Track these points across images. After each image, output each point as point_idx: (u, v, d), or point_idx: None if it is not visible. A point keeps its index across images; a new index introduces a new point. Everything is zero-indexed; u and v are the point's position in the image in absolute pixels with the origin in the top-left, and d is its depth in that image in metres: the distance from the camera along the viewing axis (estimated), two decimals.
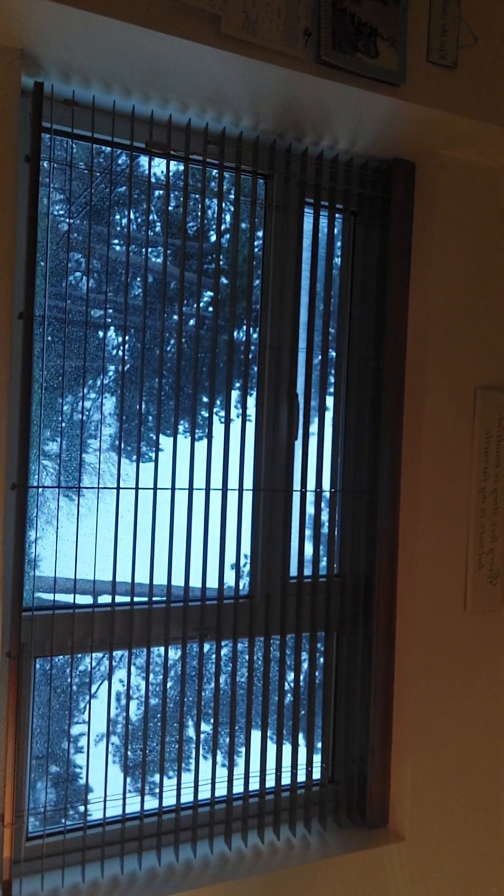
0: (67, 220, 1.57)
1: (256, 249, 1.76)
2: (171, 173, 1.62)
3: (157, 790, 1.66)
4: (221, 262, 1.68)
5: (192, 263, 1.66)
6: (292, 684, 1.83)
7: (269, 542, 1.76)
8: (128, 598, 1.59)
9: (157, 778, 1.67)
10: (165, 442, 1.61)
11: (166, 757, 1.63)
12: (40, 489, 1.50)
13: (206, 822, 1.70)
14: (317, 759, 1.86)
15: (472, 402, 1.83)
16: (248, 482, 1.73)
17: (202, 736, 1.67)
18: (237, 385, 1.71)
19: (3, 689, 1.48)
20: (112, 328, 1.60)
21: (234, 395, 1.71)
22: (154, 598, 1.61)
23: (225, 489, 1.65)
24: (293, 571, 1.77)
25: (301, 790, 1.80)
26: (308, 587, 1.78)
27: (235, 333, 1.67)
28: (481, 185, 1.82)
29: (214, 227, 1.70)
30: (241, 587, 1.73)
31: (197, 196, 1.64)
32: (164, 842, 1.66)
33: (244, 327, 1.68)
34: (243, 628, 1.72)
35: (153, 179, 1.63)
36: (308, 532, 1.76)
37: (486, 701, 1.88)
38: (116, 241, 1.62)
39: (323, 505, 1.81)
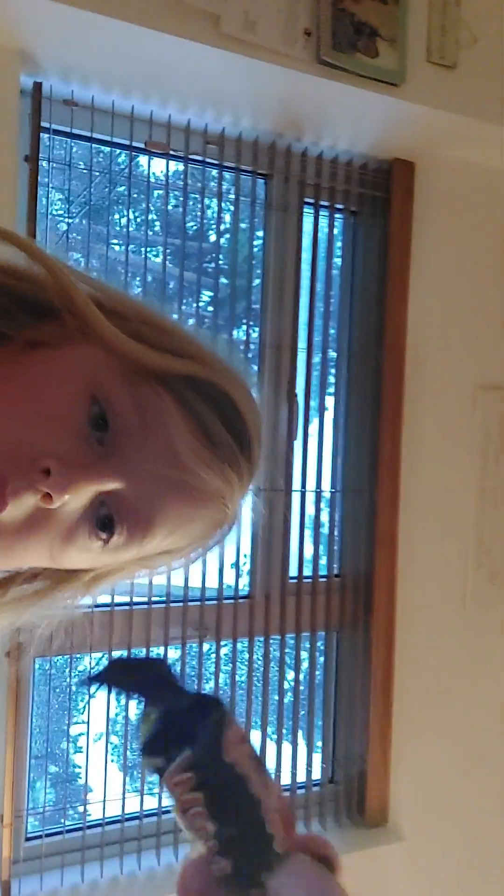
0: (67, 220, 1.57)
1: (256, 249, 1.76)
2: (170, 173, 1.61)
3: (157, 790, 1.66)
4: (221, 262, 1.68)
5: (191, 263, 1.66)
6: (292, 684, 1.83)
7: (269, 542, 1.75)
8: (127, 598, 1.59)
9: (156, 777, 1.66)
10: None
11: None
12: None
13: None
14: (316, 758, 1.85)
15: (472, 402, 1.83)
16: None
17: None
18: None
19: (2, 689, 1.48)
20: None
21: None
22: (153, 598, 1.61)
23: None
24: (293, 571, 1.77)
25: (301, 790, 1.80)
26: (308, 587, 1.77)
27: (235, 333, 1.67)
28: (481, 185, 1.82)
29: (214, 226, 1.70)
30: (240, 587, 1.73)
31: (196, 196, 1.63)
32: (164, 842, 1.66)
33: (244, 327, 1.68)
34: (243, 628, 1.72)
35: (153, 179, 1.63)
36: (308, 532, 1.76)
37: (485, 700, 1.88)
38: (116, 241, 1.62)
39: (323, 505, 1.81)
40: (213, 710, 0.23)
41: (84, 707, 1.62)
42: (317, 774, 1.86)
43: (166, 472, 0.49)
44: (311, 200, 1.74)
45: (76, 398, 0.47)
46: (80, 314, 0.50)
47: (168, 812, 1.67)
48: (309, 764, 1.81)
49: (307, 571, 1.76)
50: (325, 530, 1.84)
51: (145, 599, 1.60)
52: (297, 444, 1.75)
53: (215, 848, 0.22)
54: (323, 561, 1.83)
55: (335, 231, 1.86)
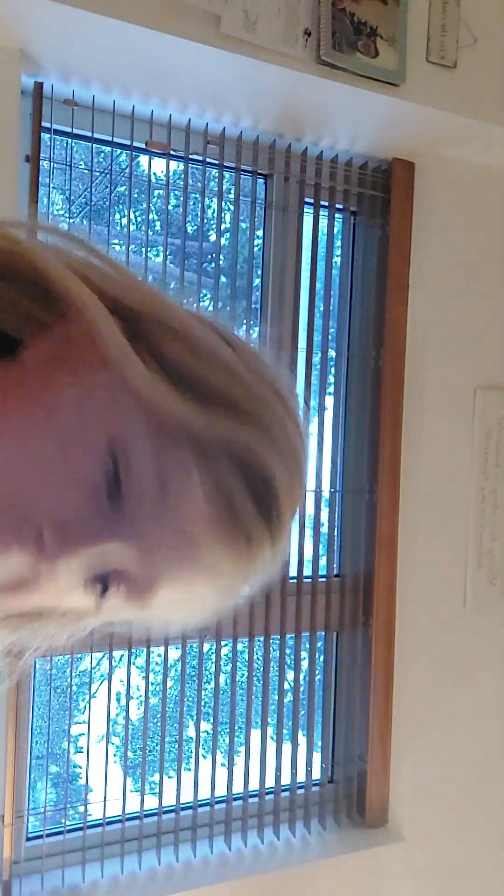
0: (68, 221, 1.57)
1: (256, 249, 1.76)
2: (170, 173, 1.62)
3: (157, 790, 1.66)
4: (221, 262, 1.68)
5: (191, 263, 1.66)
6: (292, 684, 1.83)
7: None
8: None
9: (156, 777, 1.67)
10: None
11: (166, 756, 1.63)
12: None
13: (206, 821, 1.70)
14: (316, 758, 1.85)
15: (472, 402, 1.83)
16: None
17: (202, 735, 1.67)
18: None
19: (3, 689, 1.48)
20: None
21: None
22: None
23: None
24: (293, 571, 1.77)
25: (301, 790, 1.80)
26: (308, 587, 1.77)
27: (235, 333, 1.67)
28: (481, 185, 1.82)
29: (214, 226, 1.70)
30: None
31: (197, 196, 1.63)
32: (164, 841, 1.66)
33: (244, 327, 1.68)
34: (243, 628, 1.72)
35: (153, 179, 1.63)
36: (308, 532, 1.76)
37: (485, 700, 1.88)
38: (116, 241, 1.62)
39: (323, 505, 1.81)
40: None
41: (85, 707, 1.62)
42: (317, 774, 1.86)
43: (177, 546, 0.43)
44: (311, 200, 1.74)
45: (91, 449, 0.41)
46: (85, 331, 0.42)
47: (168, 812, 1.67)
48: (309, 764, 1.81)
49: (307, 571, 1.76)
50: (325, 530, 1.84)
51: None
52: None
53: None
54: (323, 561, 1.83)
55: (335, 231, 1.86)
